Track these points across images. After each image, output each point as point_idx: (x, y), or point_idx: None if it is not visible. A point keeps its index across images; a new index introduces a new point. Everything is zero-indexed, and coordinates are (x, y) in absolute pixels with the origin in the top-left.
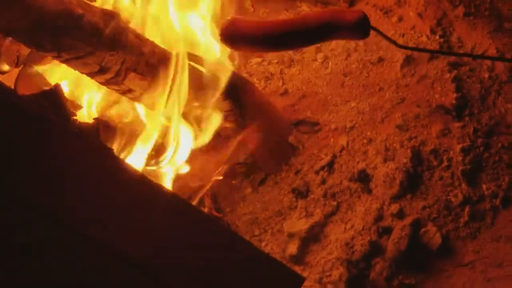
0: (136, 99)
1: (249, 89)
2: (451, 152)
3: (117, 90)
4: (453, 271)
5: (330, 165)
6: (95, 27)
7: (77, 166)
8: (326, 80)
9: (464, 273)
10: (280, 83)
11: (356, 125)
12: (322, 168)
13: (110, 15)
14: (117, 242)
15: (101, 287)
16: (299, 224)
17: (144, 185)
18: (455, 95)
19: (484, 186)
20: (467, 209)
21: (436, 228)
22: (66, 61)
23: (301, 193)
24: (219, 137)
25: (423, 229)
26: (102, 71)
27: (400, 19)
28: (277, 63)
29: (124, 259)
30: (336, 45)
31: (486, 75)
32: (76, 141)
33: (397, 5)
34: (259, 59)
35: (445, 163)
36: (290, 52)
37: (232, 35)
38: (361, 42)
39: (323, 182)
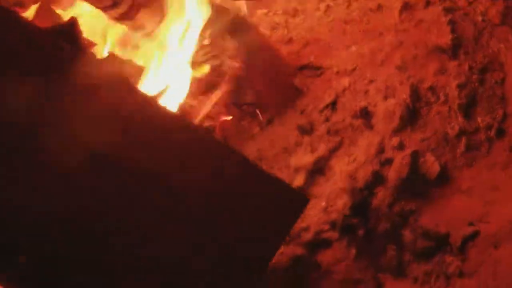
0: (148, 35)
1: (253, 31)
2: (448, 88)
3: (130, 26)
4: (451, 196)
5: (333, 104)
6: None
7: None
8: (328, 28)
9: (462, 198)
10: (285, 32)
11: (357, 67)
12: (326, 107)
13: None
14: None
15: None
16: (305, 159)
17: (166, 115)
18: (450, 36)
19: (479, 119)
20: (463, 140)
21: (435, 158)
22: None
23: (306, 130)
24: (225, 76)
25: (422, 159)
26: (115, 4)
27: None
28: (282, 13)
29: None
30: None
31: (480, 18)
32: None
33: None
34: (265, 10)
35: (442, 99)
36: (295, 2)
37: None
38: None
39: (327, 119)
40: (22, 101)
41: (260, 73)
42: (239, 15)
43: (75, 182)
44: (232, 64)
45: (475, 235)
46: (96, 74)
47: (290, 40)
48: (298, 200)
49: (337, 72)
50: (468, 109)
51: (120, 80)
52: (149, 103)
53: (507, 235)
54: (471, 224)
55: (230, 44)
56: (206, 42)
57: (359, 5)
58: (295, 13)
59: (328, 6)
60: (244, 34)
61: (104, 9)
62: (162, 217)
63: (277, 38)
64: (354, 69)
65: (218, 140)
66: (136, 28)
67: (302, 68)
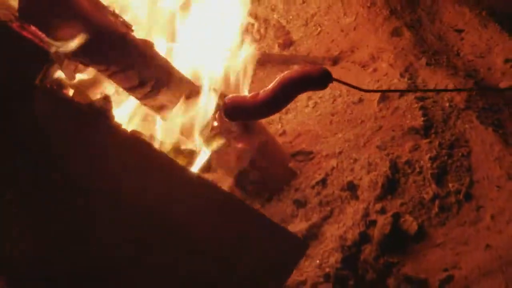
0: (166, 116)
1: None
2: (422, 161)
3: (152, 107)
4: (427, 250)
5: (323, 181)
6: (135, 45)
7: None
8: (317, 120)
9: (437, 252)
10: (279, 126)
11: (344, 150)
12: (317, 183)
13: (147, 41)
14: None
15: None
16: (300, 226)
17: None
18: (422, 119)
19: (450, 185)
20: (436, 203)
21: (413, 218)
22: (112, 75)
23: (301, 203)
24: (229, 155)
25: (402, 219)
26: (141, 84)
27: (375, 70)
28: None
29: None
30: (323, 93)
31: (447, 104)
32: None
33: (371, 60)
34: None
35: (417, 170)
36: None
37: (233, 112)
38: (344, 89)
39: (318, 193)
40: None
41: (261, 157)
42: None
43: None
44: (237, 146)
45: (450, 279)
46: (124, 147)
47: (284, 133)
48: (299, 245)
49: (326, 155)
50: (439, 177)
51: (148, 152)
52: (173, 168)
53: (476, 278)
54: (445, 270)
55: (236, 128)
56: (215, 123)
57: (342, 99)
58: (287, 110)
59: (315, 103)
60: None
61: (131, 89)
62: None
63: (272, 131)
64: (340, 152)
65: (228, 195)
66: (158, 108)
67: (296, 154)
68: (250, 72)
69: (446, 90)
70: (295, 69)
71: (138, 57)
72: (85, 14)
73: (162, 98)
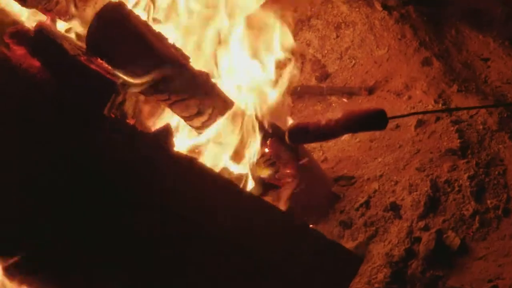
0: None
1: (302, 150)
2: (460, 180)
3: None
4: (471, 263)
5: (367, 203)
6: (194, 76)
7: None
8: (357, 147)
9: (479, 264)
10: (321, 153)
11: (384, 173)
12: (361, 205)
13: (204, 72)
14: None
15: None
16: (347, 245)
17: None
18: (458, 140)
19: (488, 202)
20: (477, 218)
21: (455, 234)
22: (172, 104)
23: (347, 225)
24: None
25: (445, 235)
26: (199, 113)
27: (409, 97)
28: None
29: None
30: None
31: (481, 127)
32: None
33: (406, 88)
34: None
35: (457, 188)
36: None
37: (297, 137)
38: None
39: (363, 215)
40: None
41: (308, 182)
42: None
43: None
44: (286, 172)
45: None
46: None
47: (325, 159)
48: (353, 259)
49: (367, 179)
50: (478, 195)
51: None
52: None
53: None
54: (490, 281)
55: (285, 154)
56: (266, 150)
57: None
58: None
59: None
60: (294, 148)
61: (189, 118)
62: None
63: (315, 158)
64: (381, 175)
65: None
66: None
67: (338, 179)
68: (288, 104)
69: (482, 107)
70: (354, 110)
71: (197, 87)
72: (151, 45)
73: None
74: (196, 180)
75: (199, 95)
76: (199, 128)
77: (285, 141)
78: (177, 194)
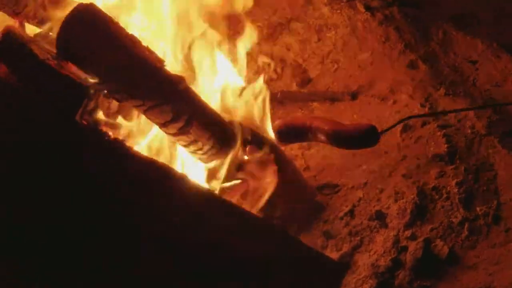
0: (199, 150)
1: (283, 156)
2: (448, 187)
3: (185, 143)
4: (460, 272)
5: (351, 212)
6: (170, 80)
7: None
8: (340, 154)
9: (469, 273)
10: (303, 162)
11: (369, 181)
12: (345, 214)
13: (179, 76)
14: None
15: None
16: (331, 256)
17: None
18: (446, 145)
19: (477, 208)
20: (466, 226)
21: (443, 242)
22: (147, 110)
23: (330, 235)
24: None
25: (433, 244)
26: (174, 119)
27: (395, 102)
28: (298, 148)
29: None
30: None
31: (469, 131)
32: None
33: (391, 92)
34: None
35: (445, 195)
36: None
37: (287, 135)
38: (365, 121)
39: (347, 224)
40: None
41: (289, 190)
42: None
43: None
44: (265, 179)
45: None
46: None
47: (307, 168)
48: (338, 270)
49: (352, 187)
50: (467, 202)
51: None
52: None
53: None
54: None
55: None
56: (246, 157)
57: None
58: (309, 146)
59: None
60: (277, 158)
61: (165, 124)
62: None
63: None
64: (366, 183)
65: (266, 221)
66: (189, 143)
67: (321, 188)
68: (267, 109)
69: (470, 109)
70: (343, 125)
71: (172, 91)
72: (124, 48)
73: (194, 133)
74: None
75: (175, 100)
76: (175, 135)
77: (265, 148)
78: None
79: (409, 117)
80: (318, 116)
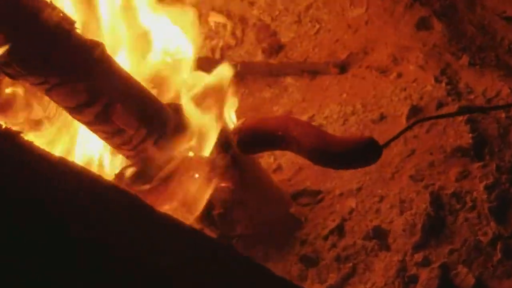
0: (126, 144)
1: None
2: (475, 193)
3: (106, 134)
4: None
5: (339, 229)
6: (83, 48)
7: None
8: None
9: None
10: (272, 160)
11: (364, 185)
12: (331, 232)
13: (97, 43)
14: None
15: None
16: None
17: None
18: (471, 135)
19: None
20: (499, 246)
21: (468, 269)
22: (51, 90)
23: (311, 261)
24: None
25: (454, 272)
26: (90, 102)
27: (399, 75)
28: None
29: None
30: (330, 112)
31: (503, 115)
32: None
33: (393, 62)
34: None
35: (469, 204)
36: None
37: (250, 144)
38: (358, 104)
39: (334, 246)
40: None
41: (254, 199)
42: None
43: None
44: (222, 185)
45: None
46: None
47: (278, 168)
48: None
49: (340, 195)
50: (500, 212)
51: None
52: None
53: None
54: None
55: (221, 161)
56: (191, 154)
57: (357, 118)
58: None
59: (320, 125)
60: (236, 153)
61: (77, 109)
62: None
63: (264, 166)
64: (360, 188)
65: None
66: (114, 134)
67: (298, 195)
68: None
69: None
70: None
71: (87, 64)
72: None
73: (118, 120)
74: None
75: (89, 75)
76: (92, 124)
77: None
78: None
79: (424, 119)
80: (295, 120)
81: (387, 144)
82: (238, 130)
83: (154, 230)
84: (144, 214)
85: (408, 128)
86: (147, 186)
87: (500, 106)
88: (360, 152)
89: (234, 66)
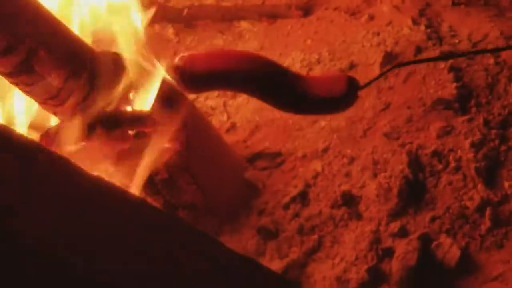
0: (53, 98)
1: (190, 106)
2: (459, 151)
3: (29, 87)
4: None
5: (302, 196)
6: None
7: None
8: None
9: None
10: (225, 118)
11: (331, 145)
12: (293, 200)
13: None
14: None
15: None
16: (271, 266)
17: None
18: (454, 84)
19: (506, 184)
20: (488, 212)
21: (452, 240)
22: None
23: (270, 233)
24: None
25: (436, 243)
26: (9, 49)
27: (371, 17)
28: (217, 96)
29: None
30: (292, 61)
31: (491, 61)
32: None
33: (365, 3)
34: (193, 95)
35: (453, 164)
36: None
37: (195, 81)
38: (325, 52)
39: (297, 215)
40: None
41: (203, 162)
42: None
43: None
44: (166, 145)
45: None
46: None
47: (233, 126)
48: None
49: (304, 156)
50: (489, 173)
51: None
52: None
53: None
54: None
55: (164, 117)
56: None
57: (323, 67)
58: (235, 92)
59: None
60: (180, 107)
61: None
62: None
63: (215, 125)
64: (327, 149)
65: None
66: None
67: (254, 158)
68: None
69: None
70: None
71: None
72: None
73: (42, 70)
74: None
75: (9, 18)
76: (13, 76)
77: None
78: None
79: (404, 63)
80: (253, 55)
81: (365, 85)
82: (182, 62)
83: (85, 198)
84: (74, 178)
85: (387, 71)
86: (77, 146)
87: (488, 50)
88: (334, 92)
89: (180, 11)
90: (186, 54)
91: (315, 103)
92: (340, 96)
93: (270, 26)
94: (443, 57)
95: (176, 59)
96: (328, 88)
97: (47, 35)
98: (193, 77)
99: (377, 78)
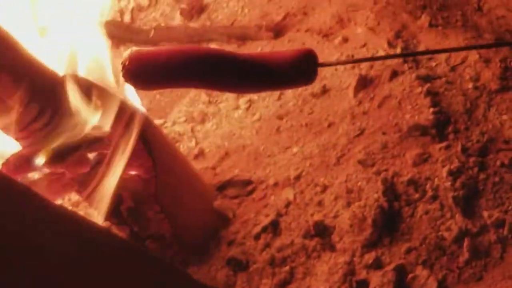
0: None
1: (156, 131)
2: (436, 179)
3: None
4: None
5: (274, 225)
6: None
7: None
8: (255, 129)
9: None
10: (193, 143)
11: (303, 173)
12: (264, 230)
13: None
14: None
15: None
16: None
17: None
18: (432, 109)
19: (485, 214)
20: (466, 243)
21: (429, 272)
22: None
23: (240, 264)
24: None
25: (411, 275)
26: None
27: (345, 39)
28: (185, 121)
29: None
30: None
31: (470, 85)
32: None
33: (339, 24)
34: (160, 120)
35: (430, 193)
36: (201, 105)
37: (142, 71)
38: None
39: (268, 246)
40: None
41: (170, 191)
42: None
43: None
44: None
45: None
46: None
47: (201, 153)
48: None
49: (275, 184)
50: (467, 202)
51: None
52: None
53: None
54: None
55: (127, 143)
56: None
57: (295, 93)
58: (204, 117)
59: (251, 101)
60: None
61: None
62: None
63: (182, 152)
64: (299, 176)
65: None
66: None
67: (223, 186)
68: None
69: (470, 48)
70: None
71: None
72: None
73: (3, 93)
74: None
75: None
76: None
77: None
78: None
79: (370, 58)
80: (195, 47)
81: (326, 64)
82: (127, 58)
83: (48, 228)
84: (37, 207)
85: (365, 60)
86: (40, 174)
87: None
88: (292, 64)
89: (147, 32)
90: (133, 50)
91: (272, 76)
92: (298, 66)
93: (240, 48)
94: (415, 53)
95: (123, 55)
96: (284, 60)
97: (9, 59)
98: (138, 72)
99: (340, 64)
